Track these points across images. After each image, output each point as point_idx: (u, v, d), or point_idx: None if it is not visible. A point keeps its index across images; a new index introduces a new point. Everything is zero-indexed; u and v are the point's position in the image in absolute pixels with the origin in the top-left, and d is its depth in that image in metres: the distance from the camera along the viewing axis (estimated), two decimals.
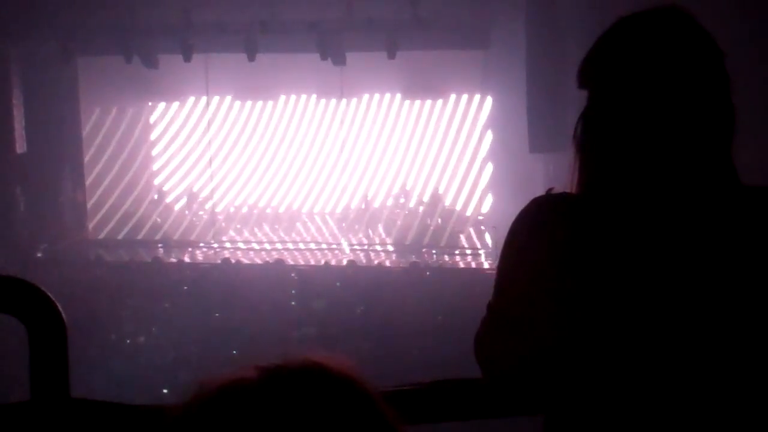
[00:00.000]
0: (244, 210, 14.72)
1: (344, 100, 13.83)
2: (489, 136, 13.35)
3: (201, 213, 14.39)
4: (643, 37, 1.41)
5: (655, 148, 1.39)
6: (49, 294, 1.14)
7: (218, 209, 14.51)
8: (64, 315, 1.15)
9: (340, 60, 12.22)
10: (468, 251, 12.91)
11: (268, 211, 14.73)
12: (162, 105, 14.50)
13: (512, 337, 1.49)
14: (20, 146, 12.73)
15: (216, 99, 14.20)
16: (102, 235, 13.82)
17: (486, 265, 12.20)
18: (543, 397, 1.49)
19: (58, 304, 1.15)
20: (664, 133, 1.39)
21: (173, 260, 12.54)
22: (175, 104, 14.41)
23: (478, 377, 1.63)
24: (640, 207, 1.40)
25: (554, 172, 13.11)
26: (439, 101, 13.76)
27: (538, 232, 1.46)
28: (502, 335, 1.51)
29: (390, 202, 13.94)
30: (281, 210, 14.80)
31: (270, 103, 14.38)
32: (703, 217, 1.39)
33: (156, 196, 14.50)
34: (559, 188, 1.53)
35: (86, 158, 13.89)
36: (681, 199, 1.39)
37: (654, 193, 1.40)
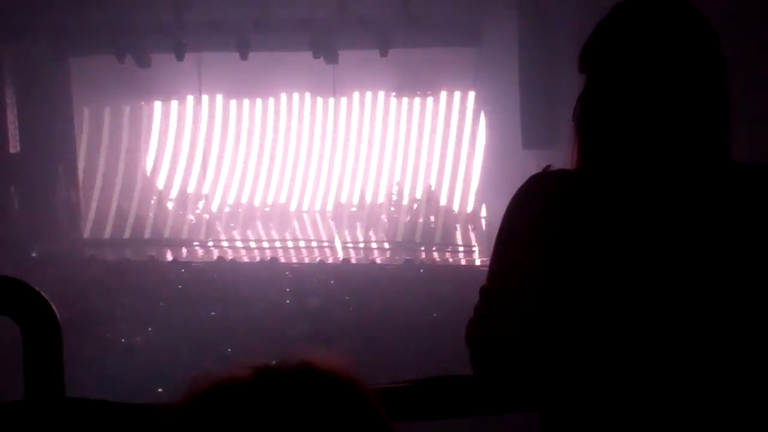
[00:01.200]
0: (238, 208, 14.70)
1: (338, 98, 13.81)
2: (482, 133, 13.35)
3: (195, 212, 14.37)
4: (641, 20, 1.44)
5: (651, 127, 1.41)
6: (43, 294, 1.15)
7: (212, 208, 14.49)
8: (58, 314, 1.16)
9: (332, 58, 12.22)
10: (462, 248, 12.92)
11: (266, 209, 14.71)
12: (155, 104, 14.47)
13: (504, 317, 1.48)
14: (13, 146, 12.71)
15: (209, 98, 14.18)
16: (96, 235, 13.79)
17: (479, 262, 12.21)
18: (534, 387, 1.49)
19: (51, 304, 1.16)
20: (660, 113, 1.41)
21: (168, 259, 12.52)
22: (168, 103, 14.38)
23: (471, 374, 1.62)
24: (636, 183, 1.42)
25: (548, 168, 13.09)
26: (432, 98, 13.75)
27: (536, 209, 1.46)
28: (494, 316, 1.50)
29: (383, 199, 13.93)
30: (275, 208, 14.78)
31: (262, 101, 14.36)
32: (696, 193, 1.40)
33: (150, 195, 14.47)
34: (556, 166, 1.53)
35: (80, 158, 13.86)
36: (675, 176, 1.40)
37: (649, 170, 1.41)
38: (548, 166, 1.50)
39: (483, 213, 13.46)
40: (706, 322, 1.36)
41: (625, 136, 1.41)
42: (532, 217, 1.45)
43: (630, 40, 1.42)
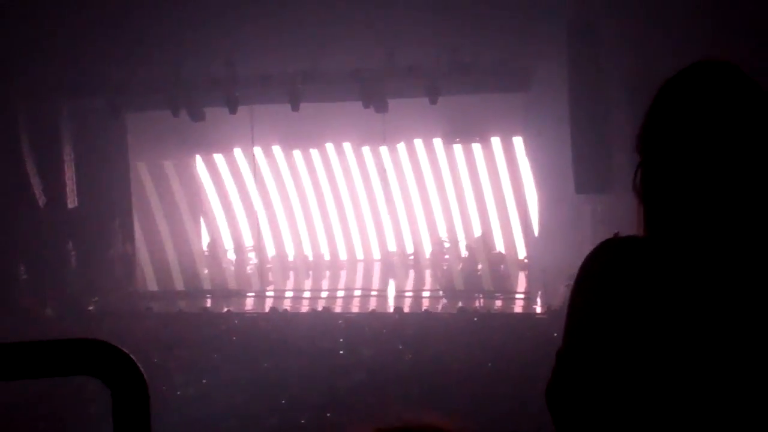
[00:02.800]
0: (291, 259, 14.79)
1: (388, 147, 13.88)
2: (533, 178, 13.30)
3: (248, 262, 14.48)
4: (692, 99, 1.45)
5: (713, 202, 1.42)
6: (132, 356, 1.15)
7: (265, 258, 14.59)
8: (146, 377, 1.16)
9: (382, 107, 12.32)
10: (516, 295, 12.80)
11: (320, 259, 14.80)
12: (209, 157, 14.69)
13: (579, 379, 1.49)
14: (71, 201, 12.98)
15: (261, 149, 14.34)
16: (151, 287, 13.95)
17: (536, 310, 12.09)
18: None
19: (140, 366, 1.16)
20: (721, 189, 1.42)
21: (222, 310, 12.61)
22: (221, 155, 14.59)
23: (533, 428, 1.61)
24: (702, 253, 1.43)
25: (602, 213, 12.99)
26: (482, 144, 13.74)
27: (607, 276, 1.49)
28: (570, 379, 1.51)
29: (436, 247, 13.90)
30: (327, 258, 14.85)
31: (314, 151, 14.49)
32: (761, 264, 1.40)
33: (204, 248, 14.63)
34: (623, 231, 1.55)
35: (135, 211, 14.08)
36: (744, 246, 1.41)
37: (715, 241, 1.42)
38: (617, 233, 1.54)
39: (537, 259, 13.36)
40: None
41: (688, 208, 1.43)
42: (602, 282, 1.48)
43: (687, 121, 1.44)
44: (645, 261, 1.46)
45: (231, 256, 14.59)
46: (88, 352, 1.17)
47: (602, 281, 1.48)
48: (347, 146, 14.37)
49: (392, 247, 14.26)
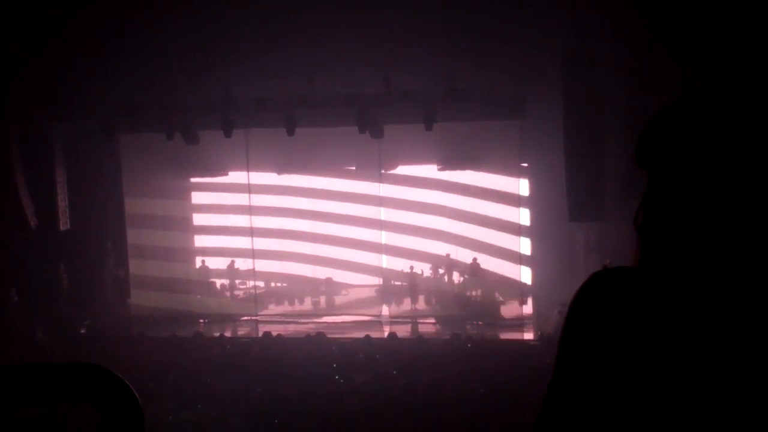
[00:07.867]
0: (285, 283, 14.76)
1: (382, 172, 13.90)
2: (527, 205, 13.32)
3: (242, 287, 14.44)
4: (699, 120, 1.43)
5: (712, 235, 1.41)
6: (126, 381, 1.13)
7: (259, 282, 14.55)
8: (141, 403, 1.14)
9: (377, 133, 12.34)
10: (509, 321, 12.78)
11: (316, 283, 14.77)
12: (203, 180, 14.67)
13: (574, 413, 1.50)
14: (63, 223, 12.91)
15: (256, 173, 14.34)
16: (143, 311, 13.87)
17: (528, 336, 12.07)
18: None
19: (135, 393, 1.14)
20: (723, 221, 1.41)
21: (215, 335, 12.55)
22: (216, 179, 14.59)
23: None
24: (692, 286, 1.44)
25: (595, 241, 13.02)
26: (477, 171, 13.78)
27: (598, 309, 1.50)
28: (564, 411, 1.52)
29: (430, 272, 13.89)
30: (321, 282, 14.83)
31: (309, 176, 14.51)
32: (757, 298, 1.40)
33: (197, 271, 14.59)
34: (614, 260, 1.57)
35: (128, 234, 14.04)
36: (736, 280, 1.41)
37: (705, 275, 1.43)
38: (606, 265, 1.55)
39: (530, 286, 13.36)
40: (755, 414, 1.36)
41: (683, 243, 1.43)
42: (593, 314, 1.49)
43: (693, 141, 1.42)
44: (636, 293, 1.47)
45: (224, 279, 14.54)
46: (81, 376, 1.14)
47: (593, 313, 1.49)
48: (342, 171, 14.38)
49: (387, 272, 14.24)
